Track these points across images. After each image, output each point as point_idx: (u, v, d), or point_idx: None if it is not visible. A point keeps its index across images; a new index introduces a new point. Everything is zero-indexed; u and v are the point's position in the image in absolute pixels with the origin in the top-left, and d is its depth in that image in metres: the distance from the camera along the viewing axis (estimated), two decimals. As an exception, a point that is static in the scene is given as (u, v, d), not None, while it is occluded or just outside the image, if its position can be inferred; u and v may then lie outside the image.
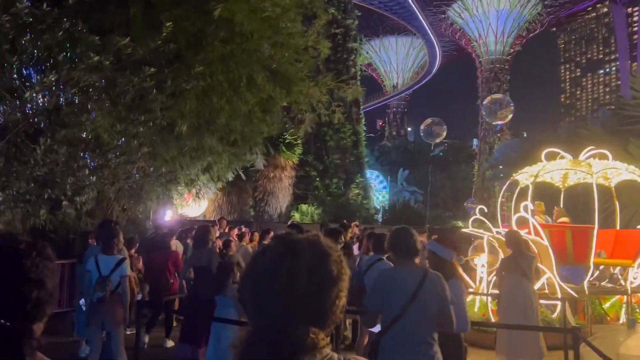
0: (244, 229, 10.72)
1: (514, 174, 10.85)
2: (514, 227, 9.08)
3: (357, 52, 34.67)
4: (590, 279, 9.44)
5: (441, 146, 79.83)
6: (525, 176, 10.58)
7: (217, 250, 8.00)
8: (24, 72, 8.23)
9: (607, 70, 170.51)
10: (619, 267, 10.00)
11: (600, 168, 9.93)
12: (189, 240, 9.26)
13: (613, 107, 25.60)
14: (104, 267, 5.88)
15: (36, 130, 8.79)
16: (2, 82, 7.45)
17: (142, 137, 9.59)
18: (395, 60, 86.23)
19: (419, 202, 45.42)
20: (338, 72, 28.33)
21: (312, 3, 11.57)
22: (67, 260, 9.74)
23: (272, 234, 9.28)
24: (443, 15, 60.08)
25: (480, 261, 10.53)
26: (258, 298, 1.22)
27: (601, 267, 10.09)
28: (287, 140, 25.15)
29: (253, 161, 14.63)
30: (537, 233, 9.00)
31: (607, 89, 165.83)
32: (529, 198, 9.46)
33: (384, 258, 6.36)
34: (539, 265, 7.16)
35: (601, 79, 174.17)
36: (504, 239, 9.56)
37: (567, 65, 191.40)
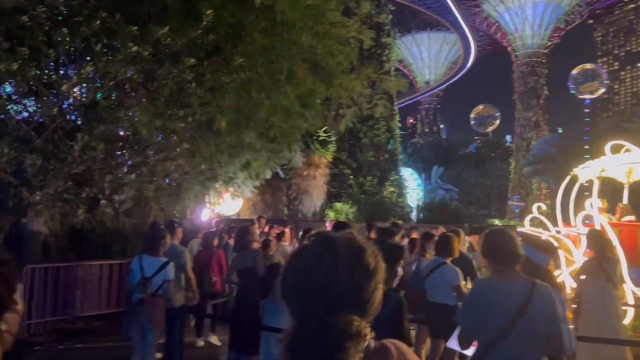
0: (286, 229, 10.26)
1: (573, 169, 10.06)
2: (579, 226, 8.36)
3: (391, 47, 33.83)
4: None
5: (474, 142, 78.31)
6: (586, 171, 9.80)
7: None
8: (61, 65, 7.94)
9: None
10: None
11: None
12: (230, 241, 8.83)
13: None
14: (147, 269, 5.71)
15: (73, 126, 8.51)
16: (38, 75, 7.13)
17: (180, 134, 9.23)
18: (428, 56, 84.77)
19: (454, 200, 44.30)
20: (372, 68, 27.65)
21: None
22: (106, 260, 9.51)
23: (313, 232, 8.83)
24: (478, 9, 58.51)
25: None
26: (301, 293, 1.27)
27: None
28: (321, 138, 24.64)
29: (291, 158, 14.15)
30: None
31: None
32: (594, 194, 8.71)
33: (448, 262, 5.77)
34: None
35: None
36: (563, 239, 8.86)
37: (605, 59, 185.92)
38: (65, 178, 7.83)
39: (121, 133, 8.59)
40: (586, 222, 8.77)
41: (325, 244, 1.31)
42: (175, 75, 7.51)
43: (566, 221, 9.78)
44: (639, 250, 8.42)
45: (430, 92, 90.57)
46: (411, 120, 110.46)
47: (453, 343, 3.37)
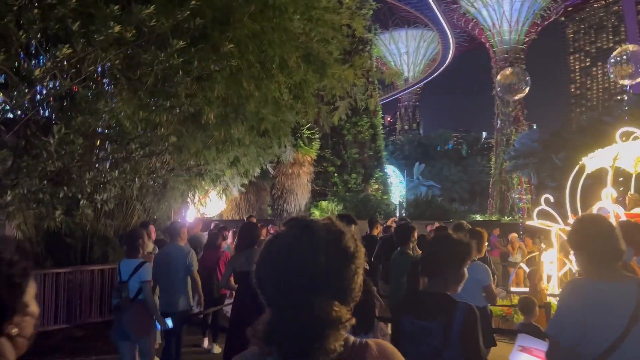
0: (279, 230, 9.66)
1: (582, 158, 9.63)
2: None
3: (372, 43, 33.35)
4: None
5: (451, 139, 78.58)
6: (595, 161, 9.39)
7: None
8: (33, 51, 7.15)
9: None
10: None
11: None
12: (229, 240, 8.16)
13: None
14: (124, 272, 5.33)
15: (48, 119, 7.73)
16: (7, 62, 6.33)
17: (166, 127, 8.51)
18: (406, 53, 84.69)
19: (437, 197, 44.17)
20: (365, 58, 27.03)
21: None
22: (86, 266, 8.78)
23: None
24: (455, 5, 58.49)
25: (549, 257, 9.40)
26: (278, 276, 1.21)
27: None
28: (306, 135, 23.98)
29: (280, 154, 13.48)
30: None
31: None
32: (609, 184, 8.28)
33: (476, 259, 5.22)
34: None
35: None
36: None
37: (577, 55, 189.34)
38: (40, 176, 7.05)
39: (101, 126, 7.84)
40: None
41: (302, 226, 1.26)
42: (163, 59, 6.77)
43: (575, 213, 9.36)
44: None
45: (408, 90, 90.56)
46: (389, 119, 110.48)
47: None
